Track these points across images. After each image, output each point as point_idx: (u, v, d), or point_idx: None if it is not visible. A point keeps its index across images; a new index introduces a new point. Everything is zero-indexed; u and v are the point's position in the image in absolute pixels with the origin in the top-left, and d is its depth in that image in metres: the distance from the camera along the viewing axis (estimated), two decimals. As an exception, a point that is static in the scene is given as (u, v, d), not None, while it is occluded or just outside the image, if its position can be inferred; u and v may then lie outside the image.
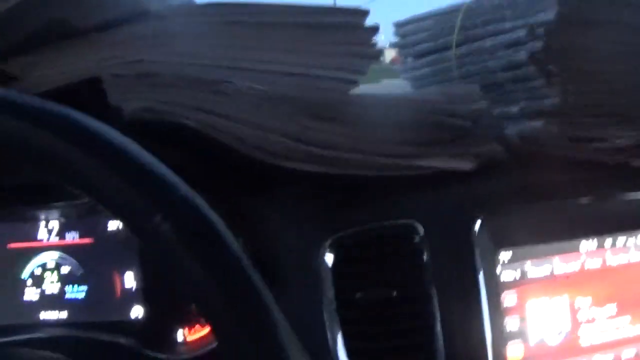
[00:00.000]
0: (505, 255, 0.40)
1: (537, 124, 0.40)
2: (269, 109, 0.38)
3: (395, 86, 0.55)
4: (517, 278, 0.40)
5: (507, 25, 0.43)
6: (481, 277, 0.39)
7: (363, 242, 0.40)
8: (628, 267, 0.43)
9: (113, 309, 0.44)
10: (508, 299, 0.40)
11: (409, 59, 0.52)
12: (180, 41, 0.40)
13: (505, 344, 0.39)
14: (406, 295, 0.39)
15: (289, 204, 0.41)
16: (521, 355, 0.40)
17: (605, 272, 0.42)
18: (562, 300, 0.41)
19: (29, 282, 0.45)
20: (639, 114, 0.43)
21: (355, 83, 0.42)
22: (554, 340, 0.41)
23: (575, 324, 0.41)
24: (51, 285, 0.45)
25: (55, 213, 0.45)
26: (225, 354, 0.24)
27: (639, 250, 0.43)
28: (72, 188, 0.25)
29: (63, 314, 0.45)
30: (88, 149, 0.24)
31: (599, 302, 0.42)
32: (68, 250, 0.45)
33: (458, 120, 0.41)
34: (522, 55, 0.41)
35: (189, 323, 0.43)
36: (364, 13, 0.41)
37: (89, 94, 0.39)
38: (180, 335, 0.44)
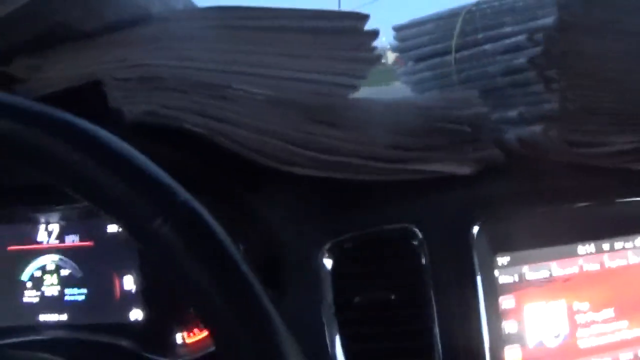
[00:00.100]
0: (503, 259, 0.40)
1: (536, 128, 0.40)
2: (269, 113, 0.39)
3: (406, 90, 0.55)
4: (515, 282, 0.40)
5: (507, 30, 0.44)
6: (479, 280, 0.39)
7: (362, 245, 0.40)
8: (626, 270, 0.43)
9: (112, 311, 0.44)
10: (506, 302, 0.40)
11: (409, 63, 0.52)
12: (182, 45, 0.40)
13: (503, 348, 0.39)
14: (404, 299, 0.39)
15: (288, 207, 0.42)
16: (519, 358, 0.40)
17: (603, 275, 0.43)
18: (560, 304, 0.41)
19: (29, 284, 0.45)
20: (638, 119, 0.43)
21: (355, 88, 0.42)
22: (552, 343, 0.41)
23: (573, 327, 0.42)
24: (51, 288, 0.45)
25: (55, 216, 0.45)
26: (223, 358, 0.24)
27: (636, 254, 0.43)
28: (71, 192, 0.26)
29: (63, 317, 0.45)
30: (86, 153, 0.24)
31: (596, 305, 0.42)
32: (68, 252, 0.45)
33: (457, 125, 0.41)
34: (521, 60, 0.41)
35: (188, 326, 0.44)
36: (364, 17, 0.41)
37: (91, 97, 0.39)
38: (180, 337, 0.44)
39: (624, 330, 0.43)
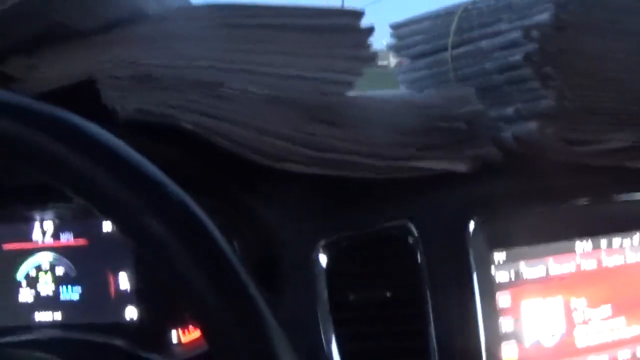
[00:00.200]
0: (499, 256, 0.40)
1: (533, 125, 0.40)
2: (265, 111, 0.38)
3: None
4: (512, 279, 0.40)
5: (503, 27, 0.43)
6: (475, 277, 0.39)
7: (357, 243, 0.40)
8: (623, 268, 0.43)
9: (107, 310, 0.44)
10: (502, 299, 0.40)
11: (406, 61, 0.52)
12: (178, 43, 0.40)
13: (500, 345, 0.39)
14: (400, 297, 0.39)
15: (284, 205, 0.41)
16: (516, 356, 0.40)
17: (601, 273, 0.42)
18: (557, 301, 0.41)
19: (24, 283, 0.45)
20: (634, 117, 0.43)
21: (351, 85, 0.42)
22: (549, 341, 0.41)
23: (571, 325, 0.41)
24: (46, 287, 0.45)
25: (49, 214, 0.45)
26: (215, 355, 0.24)
27: (634, 252, 0.43)
28: (61, 188, 0.25)
29: (57, 315, 0.44)
30: (76, 149, 0.24)
31: (594, 303, 0.42)
32: (62, 251, 0.45)
33: (454, 123, 0.41)
34: (517, 57, 0.41)
35: (183, 324, 0.43)
36: (359, 14, 0.41)
37: (87, 95, 0.39)
38: (175, 336, 0.44)
39: (621, 328, 0.43)
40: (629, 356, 0.43)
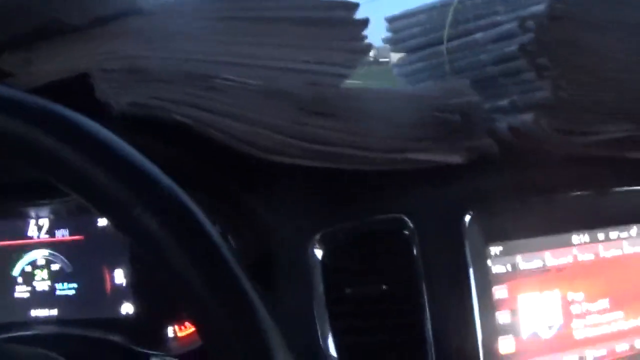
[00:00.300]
0: (495, 249, 0.40)
1: (528, 117, 0.40)
2: (259, 104, 0.38)
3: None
4: (508, 272, 0.40)
5: (499, 18, 0.43)
6: (471, 271, 0.39)
7: (353, 236, 0.40)
8: (621, 260, 0.43)
9: (103, 305, 0.44)
10: (499, 293, 0.39)
11: (402, 54, 0.52)
12: (172, 36, 0.40)
13: (497, 339, 0.39)
14: (396, 290, 0.39)
15: (279, 198, 0.41)
16: (513, 349, 0.40)
17: (598, 266, 0.42)
18: (554, 294, 0.41)
19: (20, 279, 0.45)
20: (630, 107, 0.43)
21: (346, 77, 0.42)
22: (546, 334, 0.41)
23: (568, 317, 0.41)
24: (41, 283, 0.45)
25: (45, 210, 0.45)
26: (209, 350, 0.24)
27: (632, 244, 0.43)
28: (54, 182, 0.25)
29: (53, 311, 0.45)
30: (68, 142, 0.24)
31: (591, 296, 0.42)
32: (58, 247, 0.45)
33: (449, 115, 0.40)
34: (512, 48, 0.41)
35: (179, 319, 0.43)
36: (353, 7, 0.41)
37: (81, 89, 0.39)
38: (171, 331, 0.44)
39: (619, 320, 0.43)
40: (627, 348, 0.42)
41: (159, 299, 0.43)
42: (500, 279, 0.40)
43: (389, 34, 0.52)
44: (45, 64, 0.39)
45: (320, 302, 0.39)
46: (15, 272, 0.45)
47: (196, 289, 0.24)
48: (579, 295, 0.41)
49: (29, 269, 0.45)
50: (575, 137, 0.41)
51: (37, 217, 0.45)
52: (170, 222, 0.24)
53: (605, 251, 0.42)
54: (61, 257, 0.45)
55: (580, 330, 0.41)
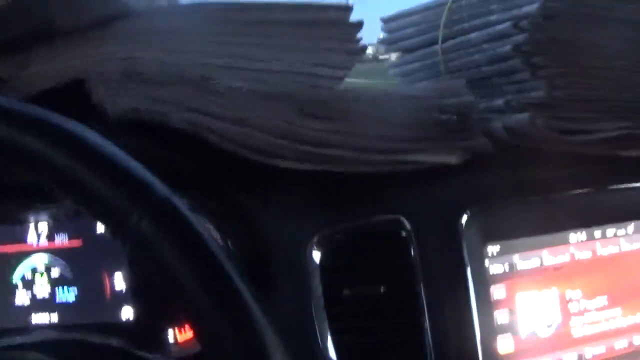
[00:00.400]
0: (493, 249, 0.40)
1: (523, 116, 0.40)
2: (255, 106, 0.38)
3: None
4: (506, 271, 0.40)
5: (493, 18, 0.43)
6: (469, 270, 0.39)
7: (351, 238, 0.40)
8: (618, 258, 0.43)
9: (103, 310, 0.44)
10: (497, 292, 0.40)
11: (397, 54, 0.52)
12: (168, 40, 0.40)
13: (495, 338, 0.39)
14: (394, 291, 0.39)
15: (277, 200, 0.41)
16: (512, 348, 0.40)
17: (596, 263, 0.42)
18: (552, 293, 0.41)
19: (20, 285, 0.45)
20: (626, 106, 0.43)
21: (341, 79, 0.42)
22: (544, 332, 0.41)
23: (566, 316, 0.41)
24: (41, 289, 0.45)
25: (44, 216, 0.45)
26: (206, 354, 0.24)
27: (629, 242, 0.43)
28: (51, 188, 0.25)
29: (54, 317, 0.44)
30: (64, 149, 0.24)
31: (589, 294, 0.42)
32: (57, 252, 0.45)
33: (444, 115, 0.40)
34: (507, 47, 0.41)
35: (179, 323, 0.43)
36: (348, 9, 0.41)
37: (77, 93, 0.39)
38: (171, 335, 0.44)
39: (617, 318, 0.43)
40: (625, 345, 0.43)
41: (158, 303, 0.43)
42: (498, 278, 0.40)
43: (384, 34, 0.53)
44: (41, 68, 0.39)
45: (318, 303, 0.39)
46: (15, 278, 0.45)
47: (193, 294, 0.24)
48: (577, 293, 0.42)
49: (29, 275, 0.45)
50: (571, 136, 0.41)
51: (36, 223, 0.45)
52: (166, 230, 0.24)
53: (603, 249, 0.42)
54: (61, 262, 0.45)
55: (578, 328, 0.42)
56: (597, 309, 0.42)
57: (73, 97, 0.38)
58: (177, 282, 0.24)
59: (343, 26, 0.41)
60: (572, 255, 0.42)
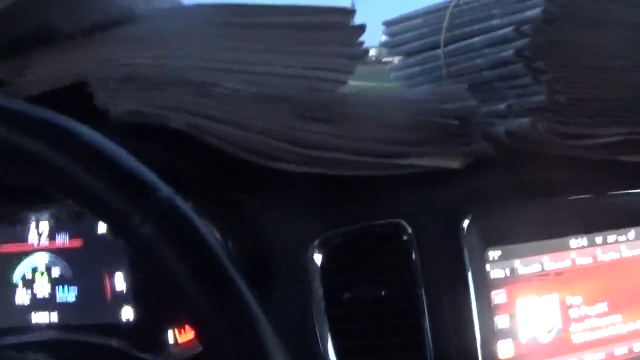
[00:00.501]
0: (494, 253, 0.40)
1: (525, 121, 0.40)
2: (256, 110, 0.38)
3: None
4: (507, 276, 0.40)
5: (495, 22, 0.43)
6: (470, 275, 0.39)
7: (351, 241, 0.40)
8: (619, 264, 0.43)
9: (103, 311, 0.44)
10: (498, 297, 0.40)
11: (399, 58, 0.52)
12: (167, 43, 0.40)
13: (496, 343, 0.39)
14: (395, 294, 0.39)
15: (277, 202, 0.41)
16: (512, 353, 0.40)
17: (596, 269, 0.42)
18: (552, 298, 0.41)
19: (20, 285, 0.45)
20: (627, 110, 0.43)
21: (343, 83, 0.42)
22: (545, 338, 0.41)
23: (567, 322, 0.41)
24: (42, 288, 0.45)
25: (44, 215, 0.45)
26: (208, 355, 0.24)
27: (629, 247, 0.43)
28: (53, 190, 0.25)
29: (54, 317, 0.45)
30: (67, 151, 0.24)
31: (590, 299, 0.42)
32: (58, 252, 0.45)
33: (446, 119, 0.40)
34: (509, 52, 0.41)
35: (179, 324, 0.43)
36: (350, 12, 0.41)
37: (77, 96, 0.39)
38: (171, 336, 0.44)
39: (618, 324, 0.43)
40: (625, 352, 0.42)
41: (159, 304, 0.43)
42: (498, 283, 0.40)
43: (385, 38, 0.53)
44: (41, 71, 0.39)
45: (319, 306, 0.39)
46: (16, 277, 0.45)
47: (195, 296, 0.24)
48: (578, 299, 0.42)
49: (29, 274, 0.45)
50: (572, 141, 0.41)
51: (37, 223, 0.45)
52: (169, 232, 0.24)
53: (604, 255, 0.42)
54: (61, 262, 0.45)
55: (579, 334, 0.41)
56: (597, 315, 0.42)
57: (73, 99, 0.38)
58: (179, 285, 0.24)
59: (344, 30, 0.41)
60: (573, 260, 0.42)
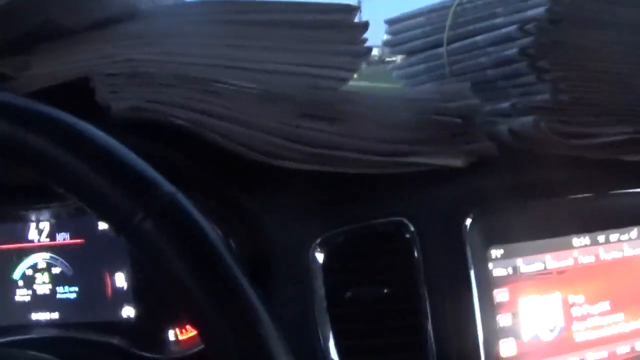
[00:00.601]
0: (496, 252, 0.40)
1: (528, 119, 0.40)
2: (259, 107, 0.38)
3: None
4: (509, 274, 0.40)
5: (498, 21, 0.43)
6: (472, 274, 0.39)
7: (354, 240, 0.40)
8: (621, 263, 0.43)
9: (104, 309, 0.44)
10: (500, 295, 0.40)
11: (401, 57, 0.52)
12: (170, 40, 0.40)
13: (498, 341, 0.39)
14: (397, 293, 0.39)
15: (279, 201, 0.41)
16: (514, 352, 0.40)
17: (599, 268, 0.42)
18: (554, 297, 0.41)
19: (21, 283, 0.45)
20: (631, 110, 0.43)
21: (345, 81, 0.42)
22: (547, 337, 0.41)
23: (569, 320, 0.41)
24: (42, 286, 0.45)
25: (45, 214, 0.45)
26: (210, 354, 0.24)
27: (632, 247, 0.43)
28: (55, 187, 0.25)
29: (54, 315, 0.44)
30: (69, 147, 0.24)
31: (592, 298, 0.42)
32: (59, 250, 0.45)
33: (449, 118, 0.40)
34: (512, 51, 0.41)
35: (180, 323, 0.43)
36: (353, 10, 0.41)
37: (80, 93, 0.39)
38: (172, 334, 0.43)
39: (620, 323, 0.43)
40: (628, 350, 0.42)
41: (159, 302, 0.43)
42: (501, 281, 0.40)
43: (388, 37, 0.53)
44: (44, 68, 0.39)
45: (321, 305, 0.39)
46: (16, 275, 0.45)
47: (197, 294, 0.24)
48: (580, 298, 0.41)
49: (29, 272, 0.45)
50: (575, 140, 0.41)
51: (38, 221, 0.45)
52: (171, 228, 0.24)
53: (606, 253, 0.42)
54: (62, 260, 0.45)
55: (581, 332, 0.41)
56: (599, 314, 0.42)
57: (75, 95, 0.38)
58: (181, 283, 0.24)
59: (348, 28, 0.41)
60: (576, 259, 0.42)
